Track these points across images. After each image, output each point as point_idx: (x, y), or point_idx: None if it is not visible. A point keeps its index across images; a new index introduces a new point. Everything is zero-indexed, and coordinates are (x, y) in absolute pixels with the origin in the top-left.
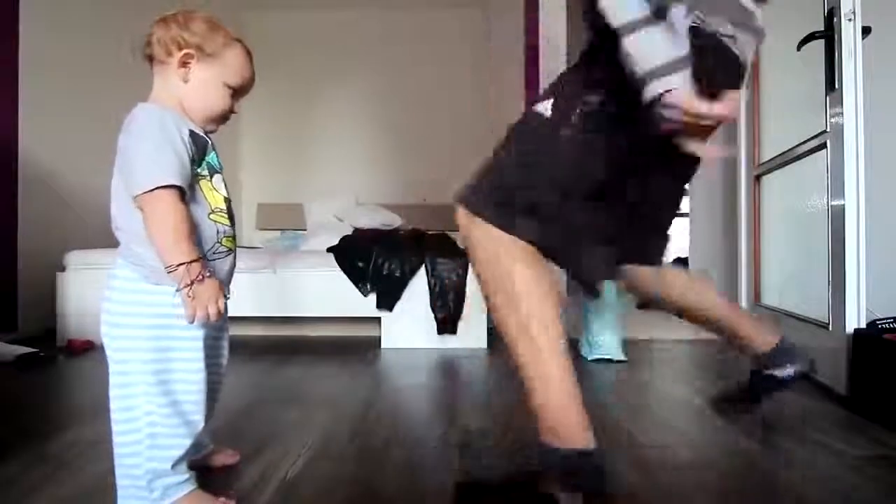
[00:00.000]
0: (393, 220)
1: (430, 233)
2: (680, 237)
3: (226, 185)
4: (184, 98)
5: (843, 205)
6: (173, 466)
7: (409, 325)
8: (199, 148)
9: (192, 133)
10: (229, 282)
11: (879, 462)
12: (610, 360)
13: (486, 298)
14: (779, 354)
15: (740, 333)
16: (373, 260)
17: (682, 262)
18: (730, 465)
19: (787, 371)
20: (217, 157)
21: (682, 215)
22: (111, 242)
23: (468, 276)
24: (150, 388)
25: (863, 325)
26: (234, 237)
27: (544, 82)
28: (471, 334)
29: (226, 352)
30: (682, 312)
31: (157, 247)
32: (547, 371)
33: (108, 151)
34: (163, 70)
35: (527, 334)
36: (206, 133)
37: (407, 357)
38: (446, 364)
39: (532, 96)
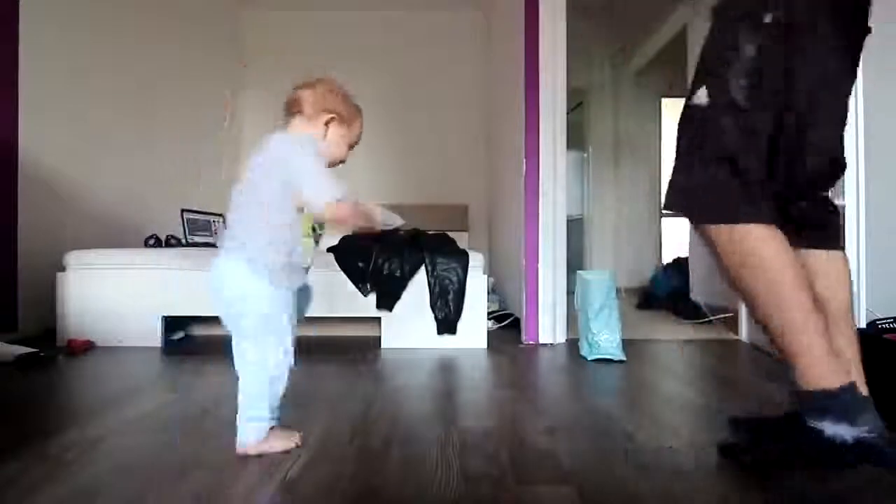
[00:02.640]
0: (393, 220)
1: (430, 233)
2: (679, 237)
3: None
4: (319, 145)
5: (843, 205)
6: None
7: (409, 325)
8: None
9: None
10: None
11: None
12: (610, 360)
13: (742, 282)
14: (839, 403)
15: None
16: (373, 260)
17: (682, 262)
18: (730, 465)
19: (843, 431)
20: None
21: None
22: (111, 242)
23: (468, 276)
24: (275, 345)
25: (863, 325)
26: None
27: (545, 83)
28: (471, 334)
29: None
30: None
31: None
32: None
33: (107, 152)
34: (307, 121)
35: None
36: None
37: (407, 357)
38: (446, 364)
39: (532, 97)
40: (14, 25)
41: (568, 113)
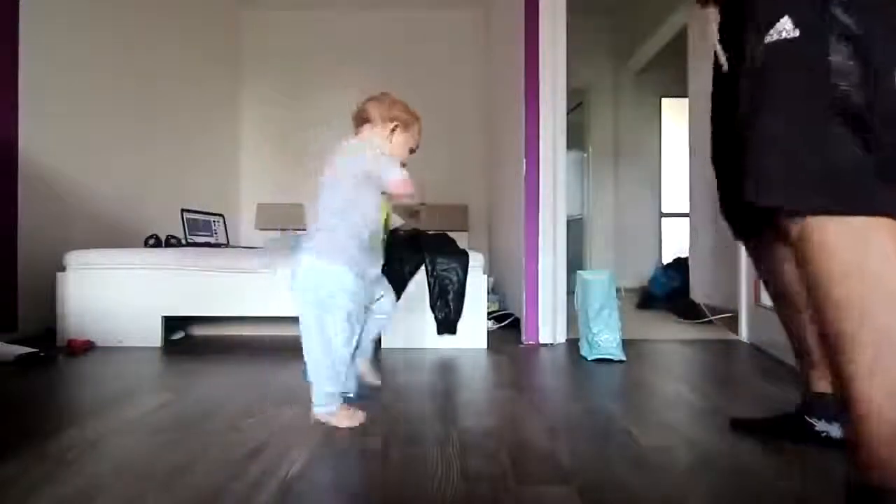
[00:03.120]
0: (393, 220)
1: (430, 233)
2: (679, 237)
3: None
4: (385, 149)
5: None
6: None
7: (409, 325)
8: None
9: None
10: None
11: None
12: (610, 360)
13: (838, 322)
14: (832, 406)
15: (814, 355)
16: None
17: (682, 262)
18: (730, 465)
19: (835, 430)
20: None
21: (681, 215)
22: (111, 242)
23: (468, 276)
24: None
25: None
26: (381, 239)
27: (545, 83)
28: (471, 334)
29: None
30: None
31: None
32: None
33: (107, 152)
34: (374, 129)
35: None
36: None
37: (407, 357)
38: (446, 364)
39: (532, 97)
40: (14, 25)
41: (568, 113)
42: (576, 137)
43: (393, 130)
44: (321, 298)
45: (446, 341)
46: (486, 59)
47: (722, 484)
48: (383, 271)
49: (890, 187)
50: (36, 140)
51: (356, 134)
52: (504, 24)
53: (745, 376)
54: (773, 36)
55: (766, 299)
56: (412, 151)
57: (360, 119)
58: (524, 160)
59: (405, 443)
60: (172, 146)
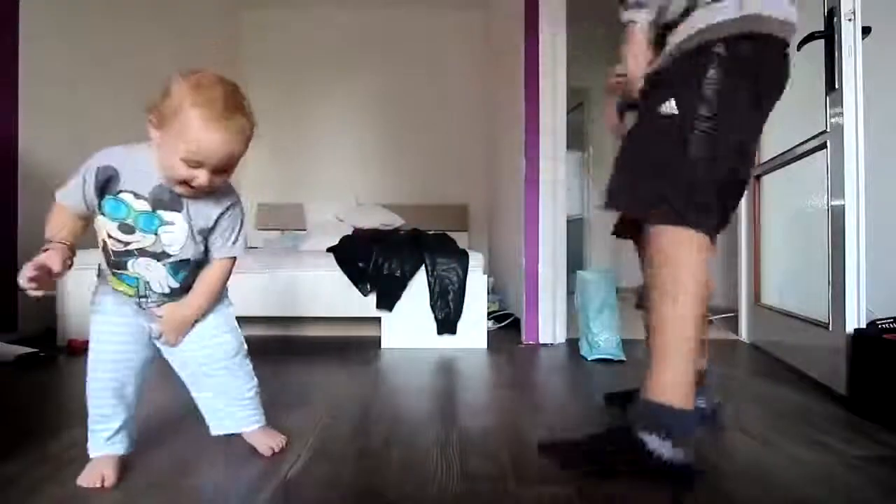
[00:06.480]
0: (393, 220)
1: (430, 233)
2: None
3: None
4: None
5: (843, 205)
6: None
7: (409, 325)
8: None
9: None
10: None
11: (879, 462)
12: (610, 360)
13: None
14: (680, 425)
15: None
16: (373, 260)
17: None
18: (730, 465)
19: (665, 450)
20: (127, 209)
21: None
22: None
23: (468, 276)
24: None
25: (863, 325)
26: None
27: (545, 83)
28: (471, 334)
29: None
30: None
31: None
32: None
33: None
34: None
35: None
36: (174, 192)
37: (407, 357)
38: (446, 364)
39: (532, 97)
40: (14, 25)
41: (568, 113)
42: (576, 137)
43: (151, 124)
44: None
45: (446, 341)
46: (486, 59)
47: (722, 484)
48: (381, 276)
49: (705, 211)
50: (36, 139)
51: None
52: (504, 24)
53: (745, 376)
54: (663, 109)
55: (766, 299)
56: (200, 166)
57: None
58: (524, 160)
59: (405, 443)
60: None
